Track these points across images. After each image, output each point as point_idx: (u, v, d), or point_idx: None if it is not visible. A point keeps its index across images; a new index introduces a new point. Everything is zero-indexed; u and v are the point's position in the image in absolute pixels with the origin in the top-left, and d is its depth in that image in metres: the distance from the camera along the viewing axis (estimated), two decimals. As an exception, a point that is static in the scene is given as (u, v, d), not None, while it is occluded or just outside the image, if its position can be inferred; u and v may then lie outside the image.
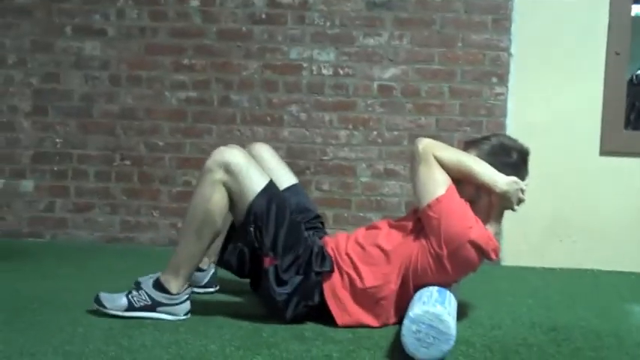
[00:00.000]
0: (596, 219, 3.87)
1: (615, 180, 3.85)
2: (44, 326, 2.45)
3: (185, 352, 2.22)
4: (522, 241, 3.86)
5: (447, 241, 2.47)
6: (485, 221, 2.58)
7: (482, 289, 3.22)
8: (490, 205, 2.62)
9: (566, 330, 2.62)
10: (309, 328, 2.51)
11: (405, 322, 2.22)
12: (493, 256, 2.55)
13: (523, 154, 2.67)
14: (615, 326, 2.71)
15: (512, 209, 2.65)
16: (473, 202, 2.57)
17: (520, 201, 2.62)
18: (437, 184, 2.52)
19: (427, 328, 2.19)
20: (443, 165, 2.53)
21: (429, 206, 2.50)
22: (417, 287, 2.52)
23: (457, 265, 2.51)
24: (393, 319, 2.56)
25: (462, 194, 2.55)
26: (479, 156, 2.60)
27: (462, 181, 2.57)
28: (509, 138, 2.76)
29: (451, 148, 2.63)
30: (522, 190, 2.59)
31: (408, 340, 2.20)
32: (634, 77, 5.09)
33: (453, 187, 2.54)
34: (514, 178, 2.57)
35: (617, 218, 3.86)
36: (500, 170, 2.56)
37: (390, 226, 2.70)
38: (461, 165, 2.55)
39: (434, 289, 2.46)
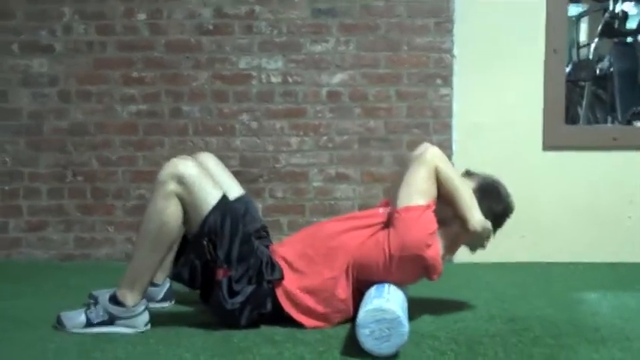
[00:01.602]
0: (542, 213, 3.97)
1: (558, 174, 3.96)
2: (14, 343, 2.46)
3: (160, 362, 2.25)
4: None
5: (403, 247, 2.55)
6: (443, 246, 2.67)
7: (439, 285, 3.26)
8: (457, 234, 2.71)
9: (524, 320, 2.72)
10: (279, 332, 2.56)
11: (357, 330, 2.31)
12: (435, 277, 2.65)
13: (508, 209, 2.79)
14: (570, 314, 2.83)
15: (471, 250, 2.76)
16: (442, 224, 2.64)
17: (481, 247, 2.72)
18: (421, 193, 2.60)
19: (376, 324, 2.28)
20: (438, 175, 2.60)
21: (405, 209, 2.57)
22: (360, 281, 2.61)
23: (401, 271, 2.60)
24: (352, 313, 2.60)
25: (437, 212, 2.62)
26: (472, 187, 2.70)
27: (444, 201, 2.64)
28: (506, 190, 2.83)
29: (452, 168, 2.69)
30: (488, 239, 2.70)
31: (369, 344, 2.29)
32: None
33: (433, 203, 2.61)
34: (489, 224, 2.66)
35: (561, 211, 3.98)
36: (482, 211, 2.65)
37: (338, 220, 2.80)
38: (452, 186, 2.63)
39: (372, 288, 2.54)
